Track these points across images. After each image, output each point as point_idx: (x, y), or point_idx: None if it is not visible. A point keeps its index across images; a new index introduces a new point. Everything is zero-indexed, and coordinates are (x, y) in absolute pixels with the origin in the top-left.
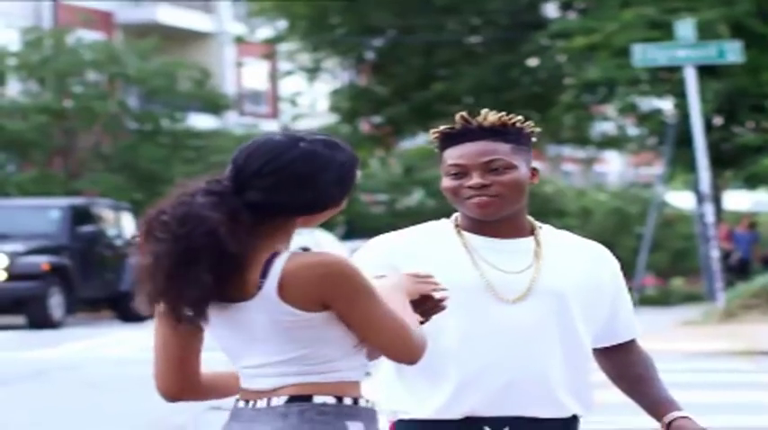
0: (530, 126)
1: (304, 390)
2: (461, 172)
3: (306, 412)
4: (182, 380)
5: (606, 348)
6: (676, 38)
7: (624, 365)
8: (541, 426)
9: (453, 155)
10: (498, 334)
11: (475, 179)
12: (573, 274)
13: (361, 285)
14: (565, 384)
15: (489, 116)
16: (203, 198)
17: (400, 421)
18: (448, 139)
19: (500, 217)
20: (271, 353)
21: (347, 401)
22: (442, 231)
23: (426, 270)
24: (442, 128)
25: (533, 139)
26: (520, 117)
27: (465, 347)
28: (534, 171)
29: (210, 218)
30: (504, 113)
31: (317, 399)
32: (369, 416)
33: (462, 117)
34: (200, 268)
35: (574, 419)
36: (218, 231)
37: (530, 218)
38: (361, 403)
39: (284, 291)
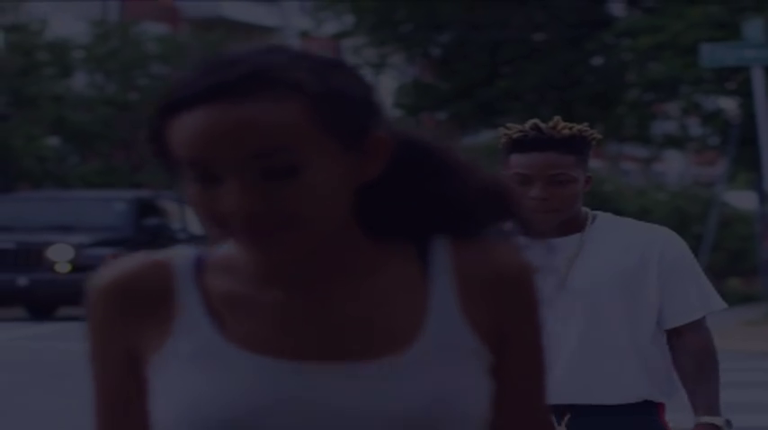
0: (594, 135)
1: None
2: (524, 181)
3: None
4: None
5: (666, 331)
6: (744, 38)
7: (676, 356)
8: (583, 412)
9: (520, 162)
10: None
11: (537, 191)
12: (609, 268)
13: None
14: (594, 375)
15: (560, 127)
16: None
17: None
18: (517, 144)
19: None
20: None
21: None
22: None
23: None
24: (513, 132)
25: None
26: (587, 127)
27: None
28: (588, 178)
29: None
30: (575, 125)
31: None
32: None
33: (536, 125)
34: None
35: (622, 408)
36: None
37: (587, 211)
38: None
39: None
